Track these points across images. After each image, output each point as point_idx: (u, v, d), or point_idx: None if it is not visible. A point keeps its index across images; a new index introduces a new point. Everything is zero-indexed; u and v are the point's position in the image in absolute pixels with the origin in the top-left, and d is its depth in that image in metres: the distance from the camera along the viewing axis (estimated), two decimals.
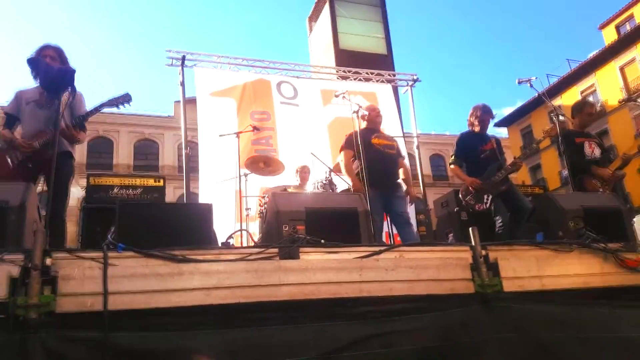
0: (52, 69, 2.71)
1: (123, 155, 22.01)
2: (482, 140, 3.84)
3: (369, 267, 1.84)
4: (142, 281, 1.56)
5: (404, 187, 3.87)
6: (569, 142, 3.85)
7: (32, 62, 2.76)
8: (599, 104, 21.34)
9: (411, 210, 4.09)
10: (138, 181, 4.10)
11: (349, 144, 3.81)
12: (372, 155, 3.60)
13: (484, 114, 3.85)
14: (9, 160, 2.78)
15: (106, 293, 1.47)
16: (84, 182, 4.29)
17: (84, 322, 1.44)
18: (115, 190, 4.01)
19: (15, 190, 1.91)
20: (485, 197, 3.59)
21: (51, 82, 2.70)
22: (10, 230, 1.80)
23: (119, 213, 1.93)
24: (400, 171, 3.93)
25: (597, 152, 3.89)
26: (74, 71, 2.68)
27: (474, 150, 3.77)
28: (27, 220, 1.86)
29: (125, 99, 2.96)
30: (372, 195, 3.53)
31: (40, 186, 2.75)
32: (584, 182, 3.71)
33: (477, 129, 3.87)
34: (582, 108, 4.12)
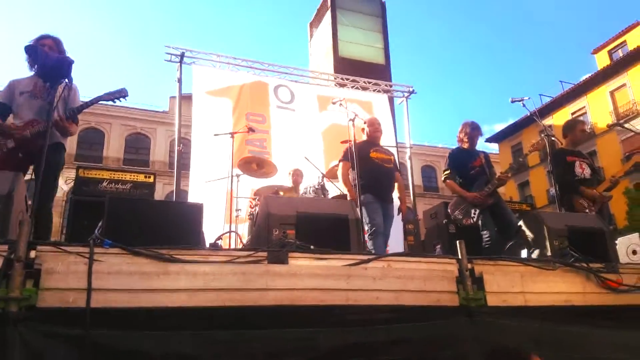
0: (50, 57, 2.68)
1: (114, 148, 21.75)
2: (471, 157, 3.89)
3: (357, 275, 1.84)
4: (127, 279, 1.54)
5: (397, 204, 3.92)
6: (560, 159, 3.90)
7: (29, 49, 2.72)
8: (589, 126, 21.75)
9: (398, 220, 4.10)
10: (128, 176, 4.05)
11: (346, 156, 3.85)
12: (370, 168, 3.64)
13: (472, 130, 3.91)
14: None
15: (90, 289, 1.45)
16: (72, 173, 4.23)
17: (65, 318, 1.42)
18: (105, 184, 3.96)
19: (3, 180, 1.88)
20: (473, 211, 3.63)
21: (48, 71, 2.67)
22: None
23: (108, 207, 1.90)
24: (395, 186, 3.97)
25: (587, 172, 3.94)
26: (72, 62, 2.65)
27: (464, 167, 3.82)
28: (13, 210, 1.83)
29: (122, 93, 2.93)
30: (371, 199, 3.57)
31: (29, 176, 2.71)
32: (572, 200, 3.76)
33: (466, 145, 3.93)
34: (575, 126, 4.17)
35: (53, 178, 2.80)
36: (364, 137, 4.02)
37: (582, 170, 3.92)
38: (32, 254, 1.47)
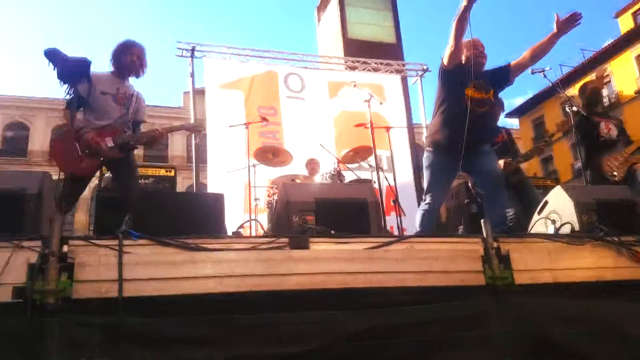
0: (68, 60, 2.73)
1: None
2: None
3: (379, 257, 1.84)
4: (155, 268, 1.58)
5: None
6: (584, 123, 3.77)
7: (49, 54, 2.75)
8: (614, 94, 20.91)
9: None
10: (150, 171, 4.16)
11: None
12: None
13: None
14: (77, 147, 2.76)
15: (121, 280, 1.50)
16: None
17: (99, 308, 1.48)
18: None
19: (32, 179, 1.95)
20: None
21: (68, 73, 2.72)
22: (28, 217, 1.84)
23: (135, 202, 1.95)
24: None
25: (614, 132, 3.77)
26: (89, 62, 2.70)
27: None
28: (44, 208, 1.89)
29: (197, 128, 3.28)
30: None
31: (57, 176, 2.79)
32: (599, 162, 3.64)
33: None
34: (585, 87, 4.04)
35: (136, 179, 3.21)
36: None
37: (609, 130, 3.77)
38: (65, 248, 1.52)
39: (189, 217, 1.99)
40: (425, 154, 3.12)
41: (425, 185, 3.07)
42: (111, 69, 3.03)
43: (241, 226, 3.06)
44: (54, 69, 2.86)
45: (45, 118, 22.10)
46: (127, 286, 1.51)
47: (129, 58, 2.97)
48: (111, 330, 1.45)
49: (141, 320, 1.49)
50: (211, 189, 6.26)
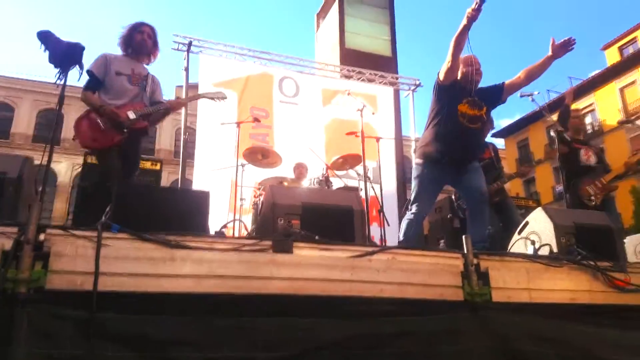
0: (61, 43, 2.68)
1: None
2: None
3: (361, 266, 1.84)
4: (134, 264, 1.55)
5: None
6: (567, 146, 3.90)
7: (41, 35, 2.70)
8: (597, 123, 21.50)
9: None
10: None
11: None
12: None
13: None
14: (100, 121, 2.76)
15: (97, 273, 1.46)
16: (79, 159, 4.26)
17: (72, 301, 1.43)
18: None
19: (13, 163, 1.89)
20: None
21: (60, 57, 2.67)
22: (6, 202, 1.78)
23: (116, 193, 1.91)
24: None
25: (592, 159, 3.94)
26: (83, 48, 2.65)
27: None
28: (23, 193, 1.84)
29: (219, 96, 3.19)
30: None
31: (39, 161, 2.73)
32: (577, 186, 3.76)
33: None
34: (569, 113, 4.20)
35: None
36: None
37: (587, 157, 3.92)
38: (42, 236, 1.48)
39: (172, 213, 1.96)
40: (415, 165, 3.15)
41: (412, 195, 3.10)
42: (123, 52, 3.04)
43: (225, 226, 3.02)
44: (45, 50, 2.81)
45: (31, 101, 21.62)
46: (104, 280, 1.47)
47: (139, 37, 2.98)
48: (84, 324, 1.41)
49: (116, 315, 1.45)
50: (197, 185, 6.20)
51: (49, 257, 1.46)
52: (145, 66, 3.11)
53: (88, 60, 2.84)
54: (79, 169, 4.23)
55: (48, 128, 21.20)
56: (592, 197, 3.71)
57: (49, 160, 2.36)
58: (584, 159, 3.91)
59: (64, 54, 2.64)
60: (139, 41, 2.98)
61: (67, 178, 19.63)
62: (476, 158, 3.14)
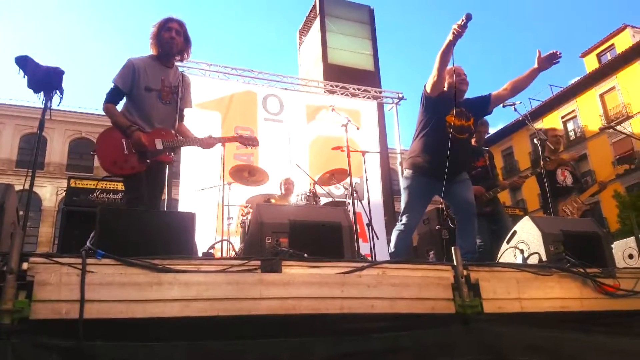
0: (40, 68, 2.65)
1: None
2: (476, 154, 3.88)
3: (352, 283, 1.83)
4: (120, 290, 1.52)
5: None
6: (544, 168, 3.97)
7: (19, 60, 2.66)
8: (579, 129, 22.00)
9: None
10: (120, 185, 4.02)
11: None
12: None
13: (480, 125, 3.79)
14: (124, 144, 2.59)
15: (83, 301, 1.43)
16: (64, 183, 4.20)
17: (58, 330, 1.40)
18: (96, 193, 3.93)
19: None
20: None
21: (38, 82, 2.64)
22: None
23: (100, 218, 1.88)
24: None
25: (569, 180, 4.06)
26: (62, 72, 2.63)
27: None
28: (5, 221, 1.80)
29: (253, 143, 2.99)
30: None
31: (21, 186, 2.67)
32: (556, 207, 3.86)
33: (473, 141, 3.80)
34: (546, 133, 4.27)
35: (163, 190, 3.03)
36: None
37: (564, 177, 4.03)
38: (25, 265, 1.44)
39: (158, 236, 1.93)
40: (404, 176, 3.18)
41: (402, 206, 3.12)
42: (155, 53, 2.83)
43: (212, 247, 2.99)
44: (24, 76, 2.77)
45: (13, 126, 21.30)
46: (89, 307, 1.44)
47: (167, 35, 2.77)
48: (70, 354, 1.37)
49: (102, 344, 1.42)
50: (183, 206, 6.13)
51: (33, 286, 1.42)
52: (176, 64, 2.93)
53: (68, 84, 2.78)
54: (64, 193, 4.16)
55: (31, 153, 20.87)
56: (569, 217, 3.83)
57: (31, 185, 2.31)
58: (561, 179, 4.04)
59: (43, 79, 2.61)
60: (168, 40, 2.77)
61: (52, 202, 19.25)
62: (465, 169, 3.19)
